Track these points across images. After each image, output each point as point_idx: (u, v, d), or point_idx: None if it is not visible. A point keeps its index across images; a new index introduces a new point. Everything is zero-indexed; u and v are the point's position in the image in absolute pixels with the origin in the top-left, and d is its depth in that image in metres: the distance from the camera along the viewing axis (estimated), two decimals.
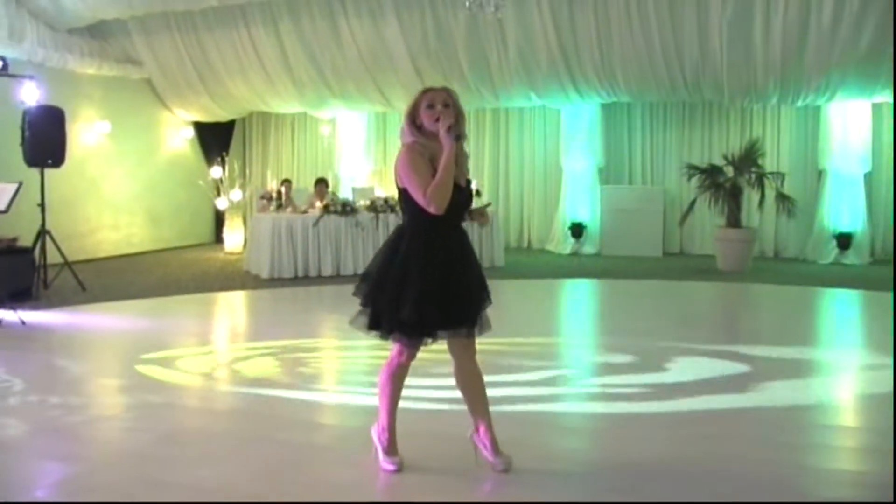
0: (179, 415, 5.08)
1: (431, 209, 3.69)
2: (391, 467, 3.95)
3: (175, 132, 15.14)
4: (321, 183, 12.18)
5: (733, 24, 11.01)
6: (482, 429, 3.98)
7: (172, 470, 4.07)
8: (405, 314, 3.72)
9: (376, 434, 4.07)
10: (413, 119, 3.84)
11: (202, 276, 11.27)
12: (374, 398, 5.33)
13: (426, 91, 3.89)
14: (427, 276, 3.72)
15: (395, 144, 15.41)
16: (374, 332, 3.90)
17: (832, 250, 12.61)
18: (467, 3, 8.81)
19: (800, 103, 12.46)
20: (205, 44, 13.59)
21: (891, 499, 3.71)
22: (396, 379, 4.00)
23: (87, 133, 13.00)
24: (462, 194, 3.85)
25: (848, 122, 12.44)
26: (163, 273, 11.60)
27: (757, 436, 4.63)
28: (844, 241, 12.50)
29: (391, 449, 4.01)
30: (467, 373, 3.99)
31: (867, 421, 5.17)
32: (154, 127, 14.72)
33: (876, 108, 12.56)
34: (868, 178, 12.68)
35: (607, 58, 12.04)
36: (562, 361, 6.44)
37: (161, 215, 14.66)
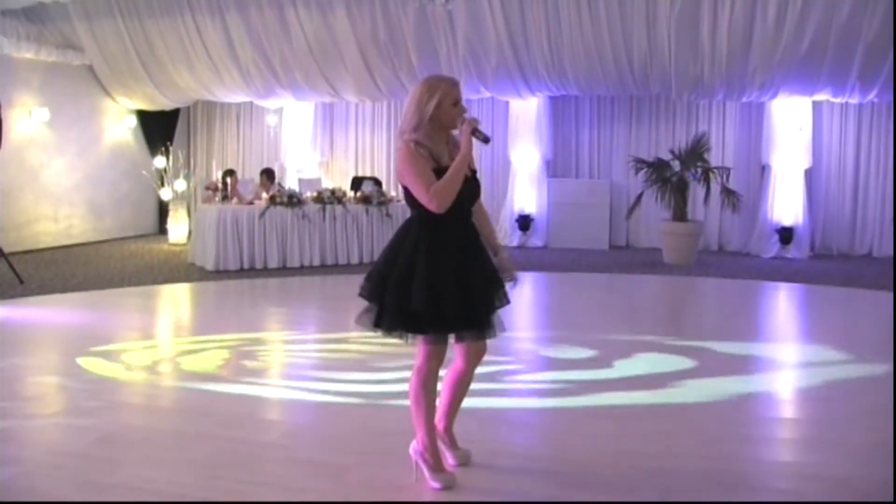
0: (123, 413, 4.95)
1: (433, 207, 3.50)
2: (438, 485, 3.69)
3: (117, 121, 14.80)
4: (267, 173, 12.01)
5: (681, 20, 11.14)
6: (443, 426, 3.94)
7: (115, 471, 3.96)
8: (415, 303, 3.48)
9: (417, 454, 3.77)
10: (428, 113, 3.56)
11: (145, 269, 11.05)
12: (320, 394, 5.33)
13: (451, 84, 3.64)
14: (434, 265, 3.51)
15: (342, 135, 15.49)
16: (381, 331, 3.60)
17: (774, 244, 12.84)
18: None
19: (744, 99, 12.64)
20: (149, 31, 13.31)
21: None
22: (430, 388, 3.70)
23: (24, 121, 12.63)
24: (469, 186, 3.65)
25: (789, 119, 12.65)
26: (104, 265, 11.34)
27: (705, 430, 4.67)
28: (786, 235, 12.73)
29: (438, 466, 3.73)
30: (468, 377, 3.84)
31: (807, 412, 5.25)
32: (96, 115, 14.36)
33: (816, 105, 12.79)
34: (808, 174, 12.92)
35: (556, 51, 12.08)
36: (510, 356, 6.43)
37: (103, 206, 14.33)
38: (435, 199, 3.50)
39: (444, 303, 3.52)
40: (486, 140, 3.73)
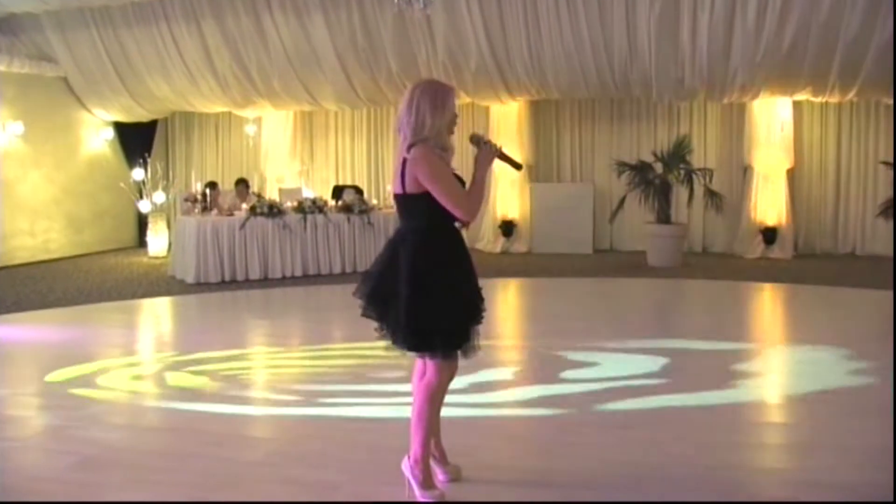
0: (103, 434, 4.79)
1: (460, 213, 3.45)
2: (429, 500, 3.59)
3: (94, 133, 14.60)
4: (241, 184, 11.85)
5: (661, 21, 11.08)
6: (434, 440, 3.84)
7: (96, 496, 3.82)
8: (448, 324, 3.46)
9: (408, 468, 3.68)
10: (448, 117, 3.51)
11: (125, 283, 10.88)
12: (308, 409, 5.21)
13: (452, 91, 3.60)
14: (448, 280, 3.49)
15: (322, 143, 15.34)
16: (412, 353, 3.58)
17: (758, 245, 12.82)
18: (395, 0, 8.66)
19: (726, 100, 12.63)
20: (124, 40, 13.13)
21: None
22: (436, 403, 3.64)
23: None
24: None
25: (771, 118, 12.65)
26: (83, 280, 11.16)
27: (701, 437, 4.59)
28: (770, 235, 12.72)
29: (427, 482, 3.63)
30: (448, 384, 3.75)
31: (802, 416, 5.18)
32: (72, 128, 14.16)
33: (797, 105, 12.80)
34: (790, 173, 12.91)
35: (536, 55, 12.01)
36: (497, 365, 6.32)
37: (81, 220, 14.11)
38: (464, 205, 3.46)
39: (458, 317, 3.51)
40: (518, 166, 3.77)
